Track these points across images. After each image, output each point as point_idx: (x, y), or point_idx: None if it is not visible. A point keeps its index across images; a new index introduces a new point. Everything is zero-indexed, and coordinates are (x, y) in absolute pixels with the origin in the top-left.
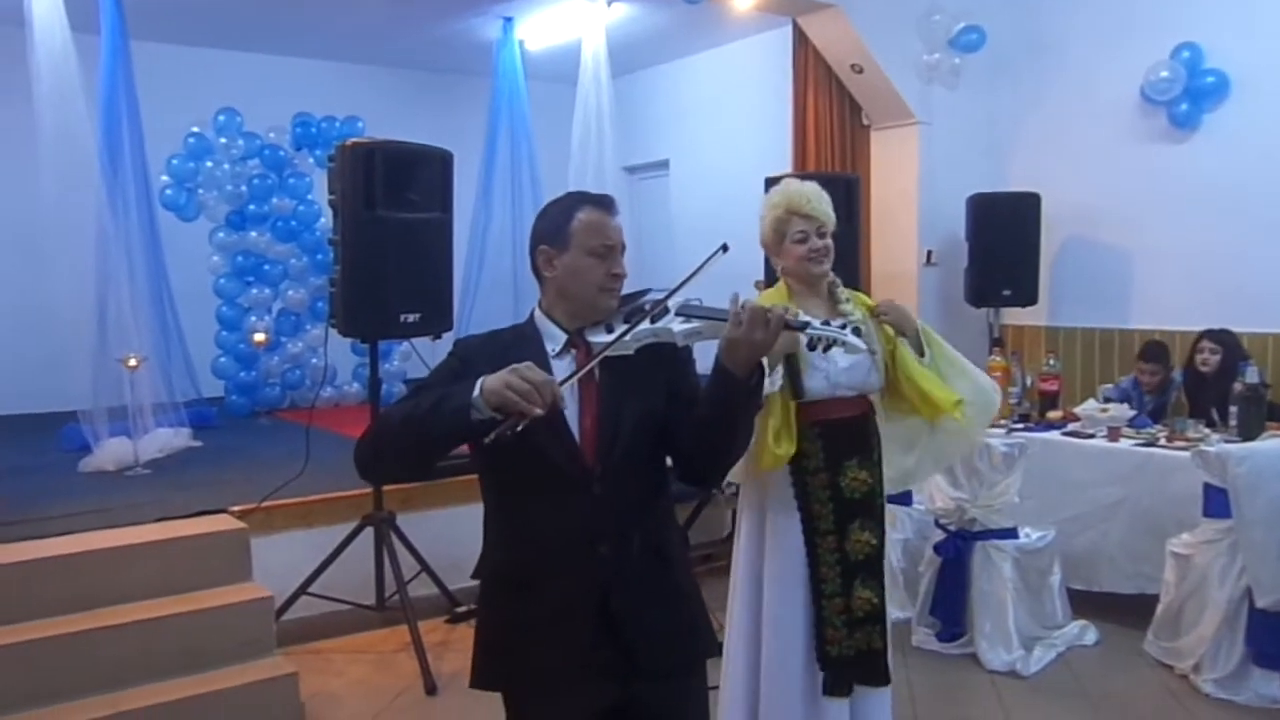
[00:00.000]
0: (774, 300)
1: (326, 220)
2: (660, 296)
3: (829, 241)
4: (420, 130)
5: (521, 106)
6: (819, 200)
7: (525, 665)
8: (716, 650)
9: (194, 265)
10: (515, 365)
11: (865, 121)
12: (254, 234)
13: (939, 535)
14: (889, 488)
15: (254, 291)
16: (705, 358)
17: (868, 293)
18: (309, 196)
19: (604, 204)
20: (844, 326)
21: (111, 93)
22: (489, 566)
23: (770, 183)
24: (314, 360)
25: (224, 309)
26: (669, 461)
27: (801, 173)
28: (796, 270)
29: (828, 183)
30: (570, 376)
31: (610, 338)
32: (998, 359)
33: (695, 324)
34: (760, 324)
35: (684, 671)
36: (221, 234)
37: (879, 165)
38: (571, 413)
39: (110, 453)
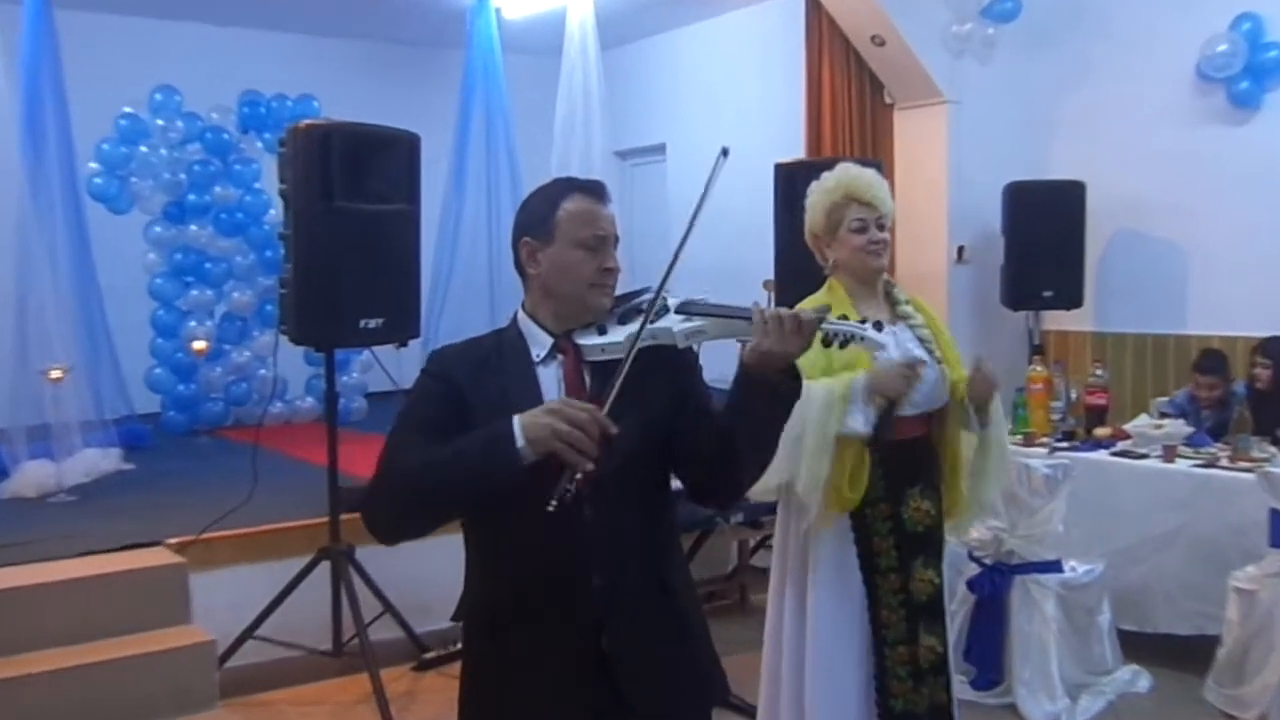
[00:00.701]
0: (823, 303)
1: (277, 212)
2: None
3: (888, 235)
4: (383, 111)
5: (498, 83)
6: (880, 188)
7: (510, 714)
8: (725, 698)
9: (126, 263)
10: (554, 404)
11: (888, 100)
12: (194, 228)
13: (973, 569)
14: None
15: (194, 293)
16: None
17: None
18: (257, 185)
19: (594, 191)
20: (875, 327)
21: (34, 68)
22: (469, 604)
23: (782, 170)
24: (262, 371)
25: (160, 313)
26: (674, 480)
27: (817, 158)
28: (852, 263)
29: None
30: (612, 388)
31: (605, 339)
32: (1038, 369)
33: (698, 322)
34: (793, 330)
35: None
36: (158, 228)
37: (904, 150)
38: None
39: (30, 477)
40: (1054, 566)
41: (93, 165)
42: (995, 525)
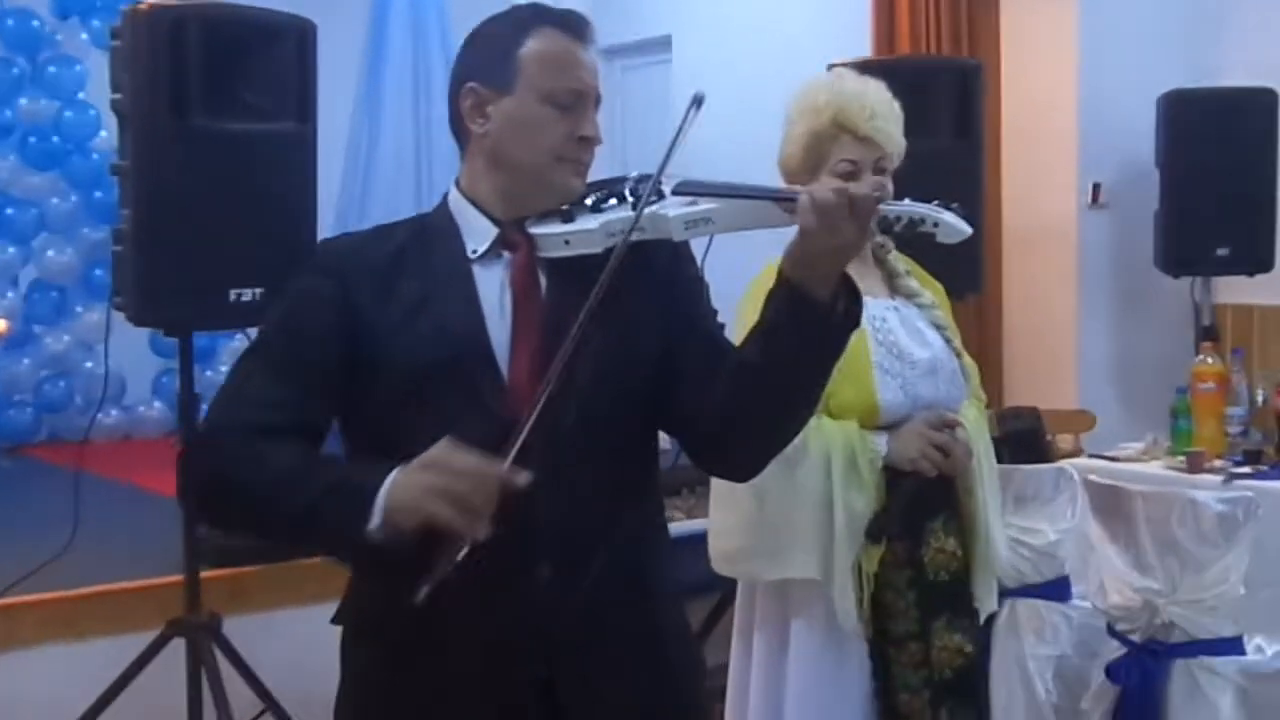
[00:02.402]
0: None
1: (110, 135)
2: (645, 174)
3: (889, 182)
4: None
5: None
6: (887, 115)
7: None
8: None
9: None
10: (430, 456)
11: None
12: None
13: (1116, 649)
14: None
15: None
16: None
17: (998, 253)
18: (80, 96)
19: (573, 27)
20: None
21: None
22: (356, 609)
23: None
24: (89, 364)
25: None
26: (665, 436)
27: (888, 58)
28: None
29: (930, 74)
30: (533, 413)
31: (572, 227)
32: (1208, 361)
33: (705, 205)
34: (844, 213)
35: None
36: None
37: (1015, 46)
38: (501, 346)
39: None
40: (1232, 645)
41: None
42: (1146, 585)
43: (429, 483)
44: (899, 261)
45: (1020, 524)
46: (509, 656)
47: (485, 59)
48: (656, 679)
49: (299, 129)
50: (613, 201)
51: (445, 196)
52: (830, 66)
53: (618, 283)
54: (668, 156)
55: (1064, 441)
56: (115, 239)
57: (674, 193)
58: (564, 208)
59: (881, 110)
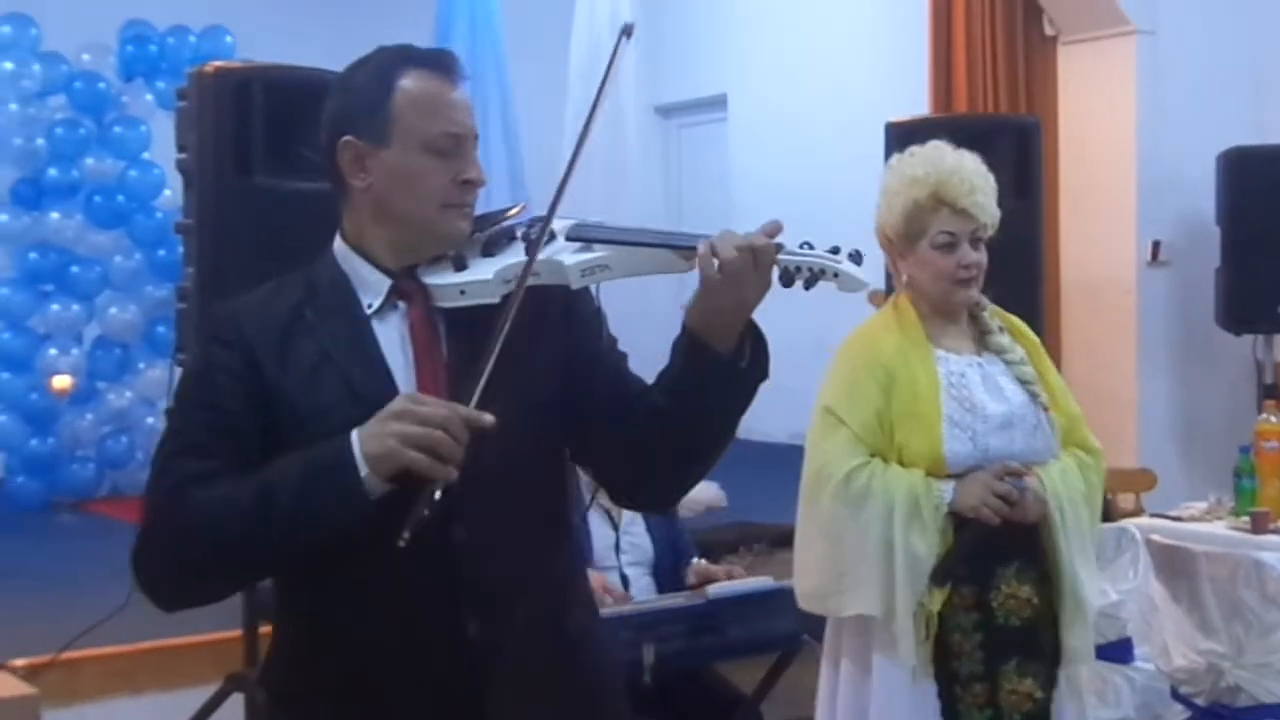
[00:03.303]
0: (885, 333)
1: (173, 193)
2: (537, 215)
3: (984, 254)
4: (323, 50)
5: (489, 12)
6: (984, 188)
7: None
8: None
9: None
10: (394, 405)
11: (1048, 31)
12: (56, 216)
13: (1179, 713)
14: None
15: (55, 308)
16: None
17: (1056, 310)
18: (145, 156)
19: (442, 65)
20: (853, 259)
21: None
22: (279, 674)
23: (897, 131)
24: (150, 420)
25: (6, 336)
26: (587, 470)
27: (946, 116)
28: (932, 291)
29: (989, 132)
30: (490, 351)
31: (467, 277)
32: (1272, 420)
33: (600, 252)
34: (746, 264)
35: None
36: (4, 215)
37: (1072, 101)
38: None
39: None
40: None
41: None
42: (1210, 648)
43: (400, 430)
44: (994, 318)
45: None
46: (442, 715)
47: (358, 109)
48: (590, 715)
49: None
50: (506, 243)
51: (329, 250)
52: (888, 125)
53: (517, 327)
54: (559, 193)
55: (1125, 501)
56: (179, 296)
57: (568, 238)
58: (455, 253)
59: (979, 184)
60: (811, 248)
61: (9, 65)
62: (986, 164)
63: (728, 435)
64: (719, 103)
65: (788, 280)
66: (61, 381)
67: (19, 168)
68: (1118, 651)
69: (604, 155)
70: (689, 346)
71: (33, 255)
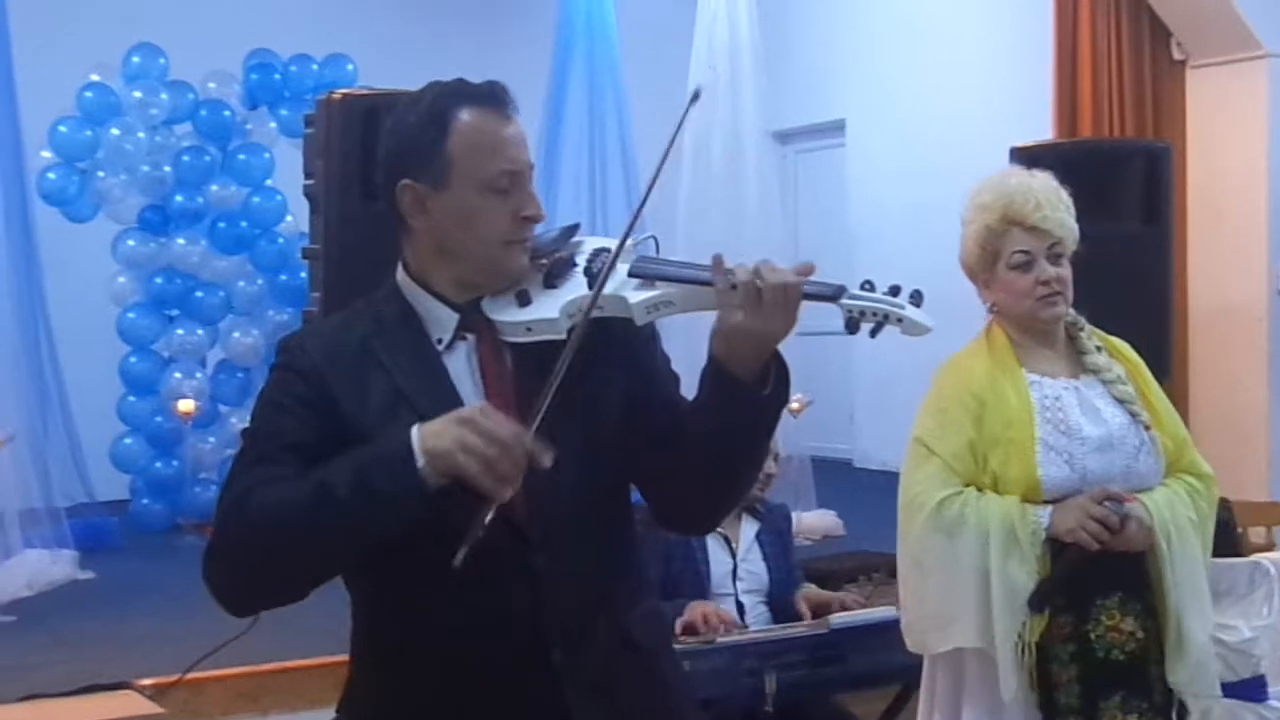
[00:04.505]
0: (975, 360)
1: (297, 219)
2: (601, 245)
3: (1066, 270)
4: (446, 77)
5: (607, 37)
6: (1054, 204)
7: None
8: None
9: (88, 291)
10: (464, 411)
11: (1177, 55)
12: (182, 241)
13: None
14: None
15: (179, 333)
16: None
17: (1185, 338)
18: (269, 183)
19: (494, 99)
20: (913, 300)
21: None
22: (360, 706)
23: (1021, 156)
24: None
25: (132, 360)
26: (635, 494)
27: (1071, 140)
28: (1017, 311)
29: (1117, 157)
30: (545, 401)
31: (531, 315)
32: None
33: (661, 290)
34: (776, 300)
35: None
36: (131, 241)
37: (1201, 126)
38: None
39: None
40: None
41: (45, 155)
42: None
43: (462, 436)
44: (1091, 338)
45: (1215, 620)
46: None
47: (415, 152)
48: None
49: None
50: (566, 274)
51: (392, 284)
52: (1013, 150)
53: (582, 356)
54: (627, 232)
55: (1256, 535)
56: (304, 320)
57: (630, 274)
58: (519, 288)
59: (1048, 200)
60: (872, 288)
61: (138, 94)
62: (1114, 189)
63: (755, 459)
64: (837, 128)
65: (853, 327)
66: (185, 405)
67: (146, 194)
68: (1251, 689)
69: (722, 182)
70: (714, 375)
71: (158, 280)
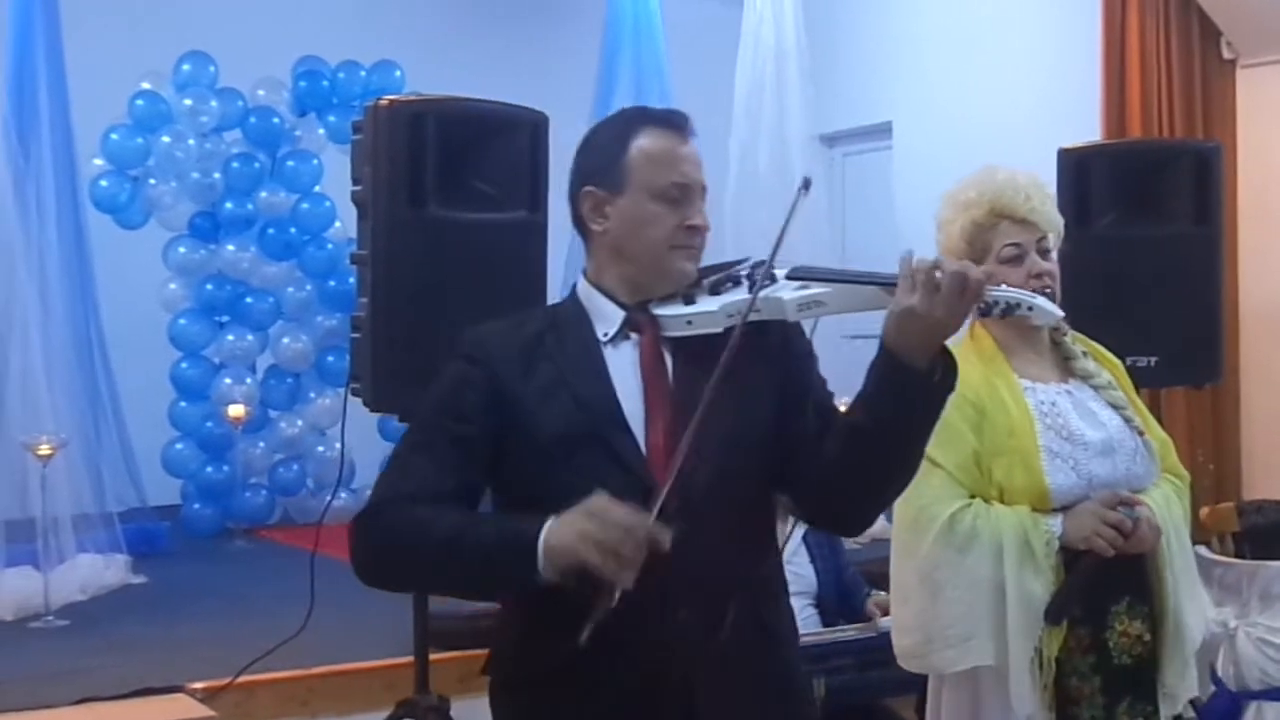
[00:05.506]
0: (967, 365)
1: (345, 225)
2: (759, 259)
3: (1054, 265)
4: (494, 82)
5: (654, 41)
6: (1042, 197)
7: None
8: None
9: (139, 297)
10: (588, 506)
11: (1226, 55)
12: (232, 248)
13: None
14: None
15: (230, 338)
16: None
17: (1235, 340)
18: (317, 189)
19: (674, 123)
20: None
21: (24, 35)
22: (509, 659)
23: (1069, 158)
24: (320, 449)
25: (183, 365)
26: (786, 496)
27: (1120, 141)
28: None
29: (1167, 157)
30: (670, 478)
31: (694, 309)
32: None
33: (815, 289)
34: (955, 289)
35: None
36: (182, 248)
37: (1252, 126)
38: (635, 418)
39: (7, 593)
40: None
41: (97, 162)
42: None
43: (585, 529)
44: (1075, 343)
45: (1267, 623)
46: (652, 699)
47: (598, 163)
48: (788, 709)
49: (531, 218)
50: (730, 285)
51: (574, 289)
52: (1061, 151)
53: (738, 358)
54: (779, 242)
55: None
56: (353, 326)
57: (788, 277)
58: (685, 292)
59: (1036, 193)
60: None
61: (188, 102)
62: (1163, 190)
63: (919, 449)
64: (884, 130)
65: (986, 310)
66: (236, 410)
67: (196, 201)
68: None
69: (768, 184)
70: (886, 364)
71: (209, 286)
